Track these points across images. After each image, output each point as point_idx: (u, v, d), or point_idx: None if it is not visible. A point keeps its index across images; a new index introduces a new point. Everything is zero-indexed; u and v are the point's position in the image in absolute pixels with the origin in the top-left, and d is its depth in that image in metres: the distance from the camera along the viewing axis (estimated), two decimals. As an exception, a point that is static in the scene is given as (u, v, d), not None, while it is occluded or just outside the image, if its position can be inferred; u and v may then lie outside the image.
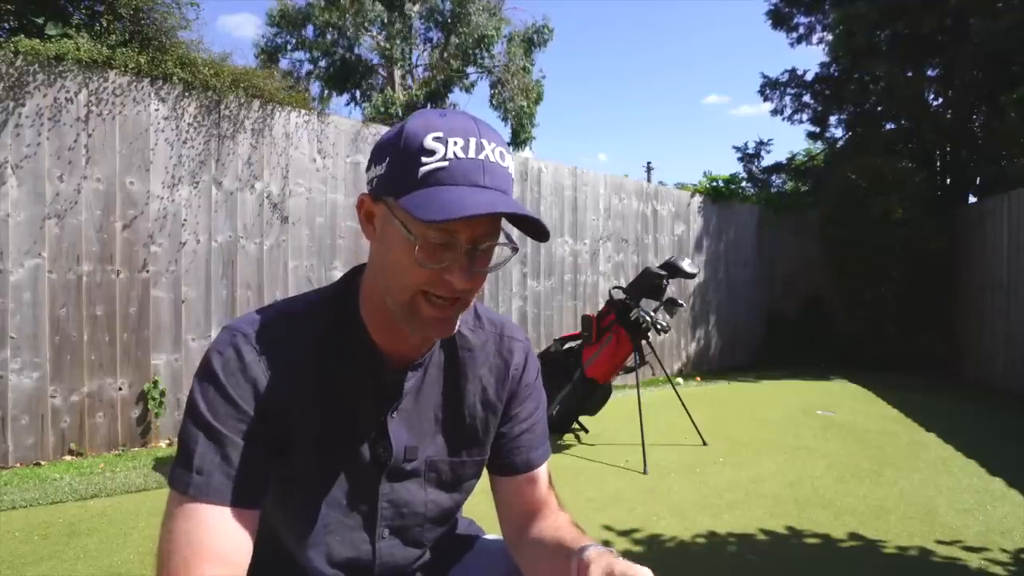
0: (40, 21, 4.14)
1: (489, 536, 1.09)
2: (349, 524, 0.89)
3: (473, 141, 0.76)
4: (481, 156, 0.75)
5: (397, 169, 0.76)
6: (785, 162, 12.38)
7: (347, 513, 0.89)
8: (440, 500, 0.94)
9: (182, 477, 0.76)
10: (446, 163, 0.74)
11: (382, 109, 12.72)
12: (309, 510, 0.87)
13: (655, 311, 4.39)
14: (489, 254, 0.80)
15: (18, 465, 3.61)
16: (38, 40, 3.73)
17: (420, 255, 0.75)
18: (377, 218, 0.81)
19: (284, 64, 15.06)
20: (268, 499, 0.82)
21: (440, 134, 0.75)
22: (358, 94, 15.69)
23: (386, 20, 14.49)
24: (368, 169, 0.82)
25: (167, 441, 4.16)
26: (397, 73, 15.11)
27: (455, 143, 0.75)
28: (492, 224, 0.78)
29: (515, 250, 0.83)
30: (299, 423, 0.83)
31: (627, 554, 2.65)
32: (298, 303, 0.89)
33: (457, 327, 0.88)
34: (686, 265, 4.39)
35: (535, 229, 0.78)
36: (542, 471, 0.99)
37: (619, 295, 4.40)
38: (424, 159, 0.74)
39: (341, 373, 0.86)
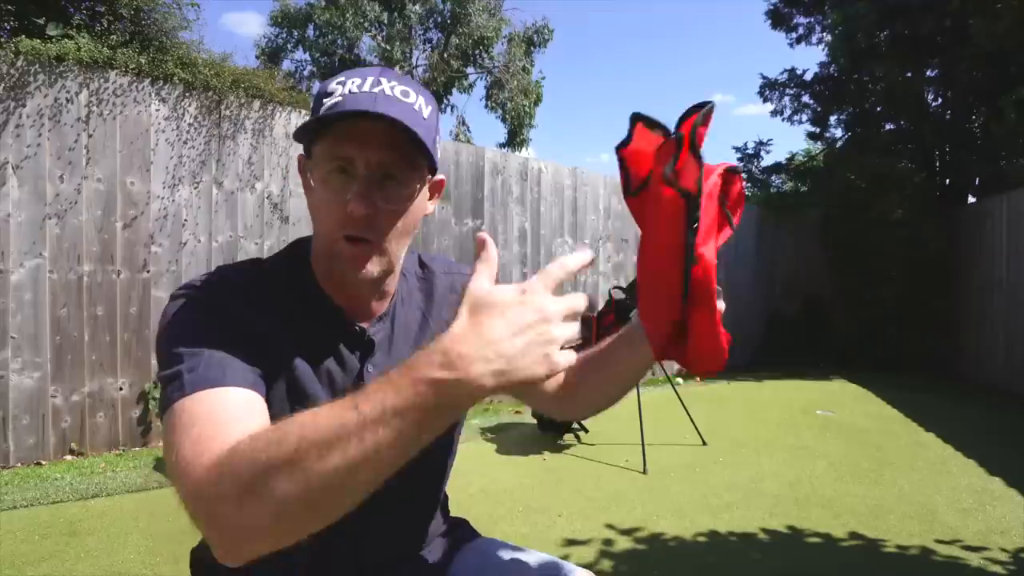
0: (41, 21, 4.13)
1: (482, 538, 1.08)
2: None
3: (370, 79, 0.77)
4: (376, 90, 0.76)
5: (310, 120, 0.77)
6: (785, 162, 12.39)
7: None
8: None
9: (169, 393, 0.68)
10: (341, 98, 0.75)
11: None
12: None
13: (655, 311, 4.38)
14: (394, 187, 0.78)
15: (19, 465, 3.61)
16: (39, 40, 3.74)
17: (323, 189, 0.77)
18: (308, 173, 0.82)
19: (287, 66, 15.06)
20: None
21: (342, 78, 0.78)
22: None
23: (386, 20, 14.50)
24: None
25: (167, 441, 4.16)
26: (397, 73, 15.10)
27: (352, 82, 0.77)
28: (389, 152, 0.76)
29: (427, 178, 0.82)
30: (271, 354, 0.78)
31: (627, 554, 2.65)
32: (243, 263, 0.89)
33: (407, 278, 0.95)
34: (686, 265, 4.39)
35: (422, 151, 0.77)
36: None
37: (619, 295, 4.40)
38: (325, 100, 0.76)
39: (302, 321, 0.83)
